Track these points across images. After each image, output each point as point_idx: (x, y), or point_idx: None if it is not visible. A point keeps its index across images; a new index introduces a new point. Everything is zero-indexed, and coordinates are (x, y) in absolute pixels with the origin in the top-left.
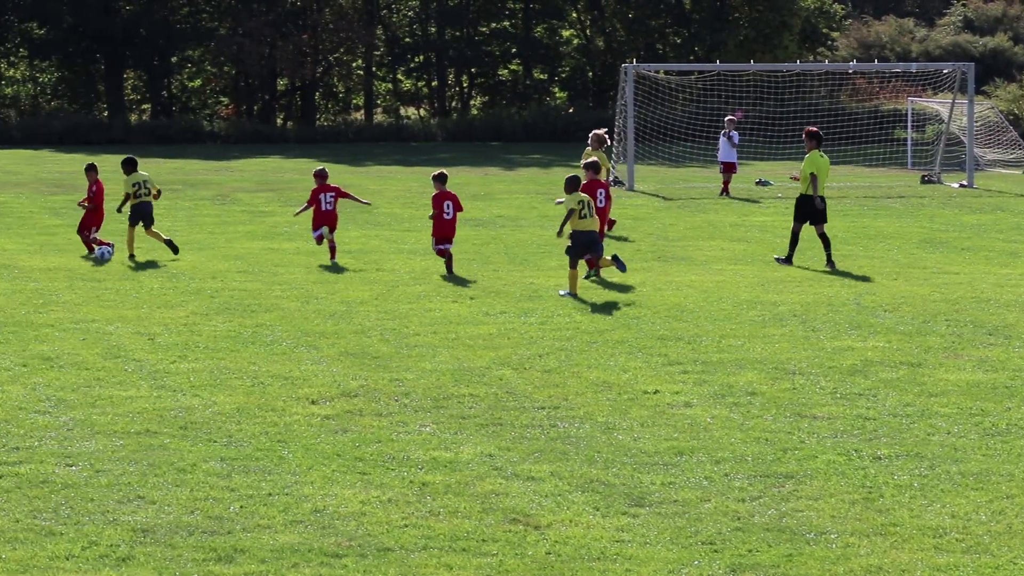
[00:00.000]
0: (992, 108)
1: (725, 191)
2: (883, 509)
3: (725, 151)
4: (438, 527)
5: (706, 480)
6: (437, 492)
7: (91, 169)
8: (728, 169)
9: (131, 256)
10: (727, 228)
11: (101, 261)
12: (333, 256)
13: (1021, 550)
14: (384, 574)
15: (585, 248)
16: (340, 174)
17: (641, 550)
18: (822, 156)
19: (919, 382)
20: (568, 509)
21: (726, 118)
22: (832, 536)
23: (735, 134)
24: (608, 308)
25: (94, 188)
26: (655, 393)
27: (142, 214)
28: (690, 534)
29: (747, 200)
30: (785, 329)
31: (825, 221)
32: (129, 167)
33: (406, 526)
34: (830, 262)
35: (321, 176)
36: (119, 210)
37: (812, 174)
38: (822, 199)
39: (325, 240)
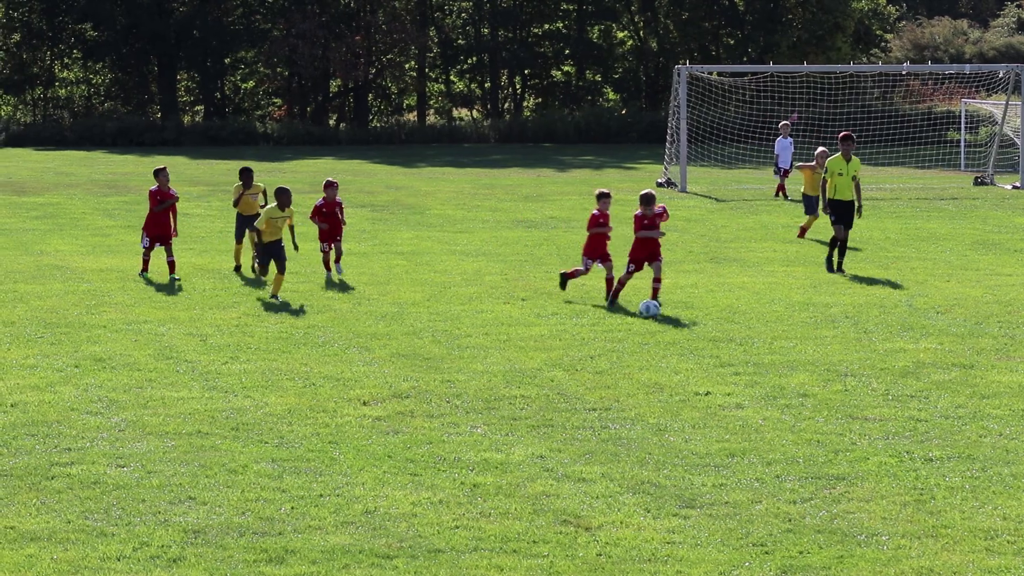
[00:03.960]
0: None
1: (779, 193)
2: (934, 511)
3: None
4: (489, 528)
5: (757, 482)
6: (488, 493)
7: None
8: (785, 174)
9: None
10: (779, 230)
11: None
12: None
13: None
14: (435, 575)
15: None
16: (393, 175)
17: (692, 552)
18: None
19: (971, 384)
20: (619, 511)
21: (781, 123)
22: (883, 538)
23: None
24: (660, 310)
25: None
26: (706, 395)
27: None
28: (741, 536)
29: (798, 201)
30: (837, 331)
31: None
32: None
33: (457, 527)
34: (839, 267)
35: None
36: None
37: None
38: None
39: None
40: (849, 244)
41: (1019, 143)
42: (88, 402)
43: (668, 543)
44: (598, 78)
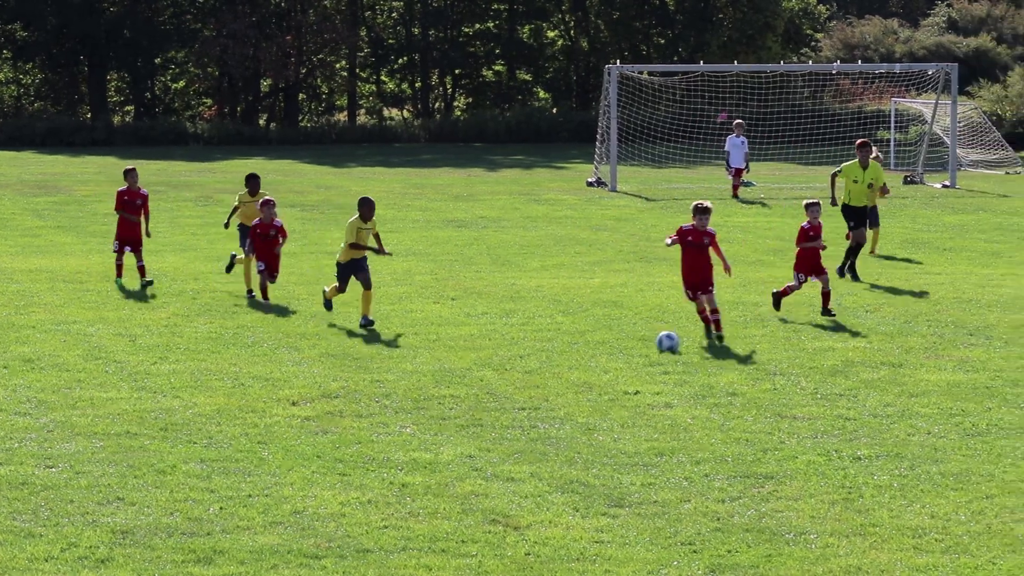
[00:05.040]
0: (975, 109)
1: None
2: (863, 509)
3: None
4: (418, 528)
5: (686, 481)
6: (417, 493)
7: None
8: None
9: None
10: None
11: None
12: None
13: (1000, 550)
14: (363, 575)
15: None
16: (323, 175)
17: (620, 551)
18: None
19: (900, 382)
20: (548, 510)
21: (735, 122)
22: (811, 536)
23: (743, 139)
24: (590, 309)
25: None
26: (636, 394)
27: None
28: (669, 535)
29: (749, 202)
30: (766, 330)
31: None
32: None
33: (386, 527)
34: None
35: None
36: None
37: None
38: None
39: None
40: (778, 243)
41: (948, 142)
42: (16, 403)
43: (597, 542)
44: (529, 78)
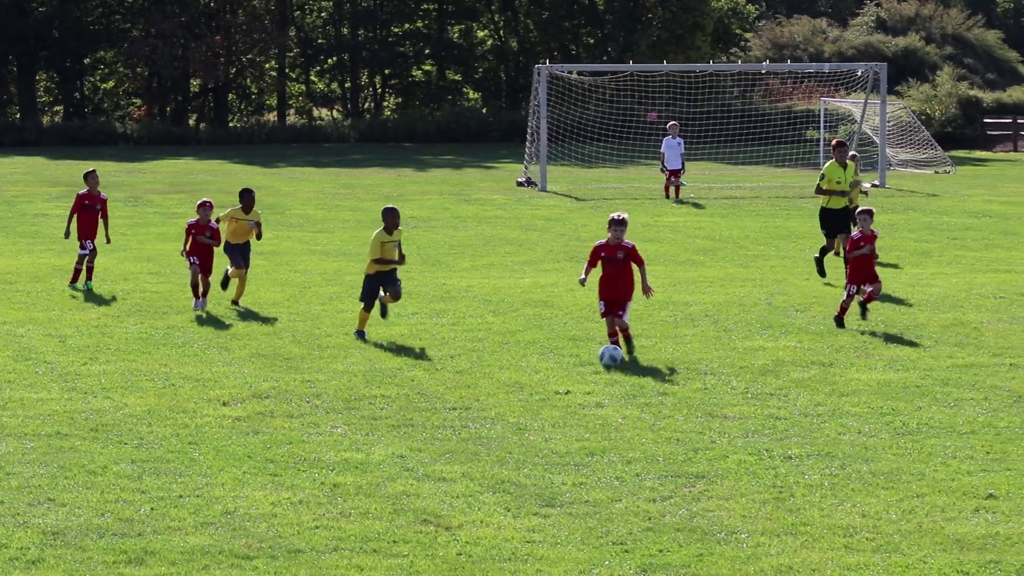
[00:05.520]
0: (904, 108)
1: (668, 194)
2: (793, 508)
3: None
4: (349, 528)
5: (617, 480)
6: (348, 493)
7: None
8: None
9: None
10: (639, 229)
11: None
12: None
13: (931, 549)
14: (295, 575)
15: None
16: (252, 175)
17: (552, 550)
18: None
19: (830, 382)
20: (479, 510)
21: (669, 123)
22: (742, 536)
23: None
24: (520, 309)
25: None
26: (567, 394)
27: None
28: (601, 534)
29: (688, 204)
30: (696, 329)
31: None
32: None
33: (317, 527)
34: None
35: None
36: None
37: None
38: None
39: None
40: (708, 243)
41: (878, 142)
42: None
43: (528, 542)
44: (458, 77)
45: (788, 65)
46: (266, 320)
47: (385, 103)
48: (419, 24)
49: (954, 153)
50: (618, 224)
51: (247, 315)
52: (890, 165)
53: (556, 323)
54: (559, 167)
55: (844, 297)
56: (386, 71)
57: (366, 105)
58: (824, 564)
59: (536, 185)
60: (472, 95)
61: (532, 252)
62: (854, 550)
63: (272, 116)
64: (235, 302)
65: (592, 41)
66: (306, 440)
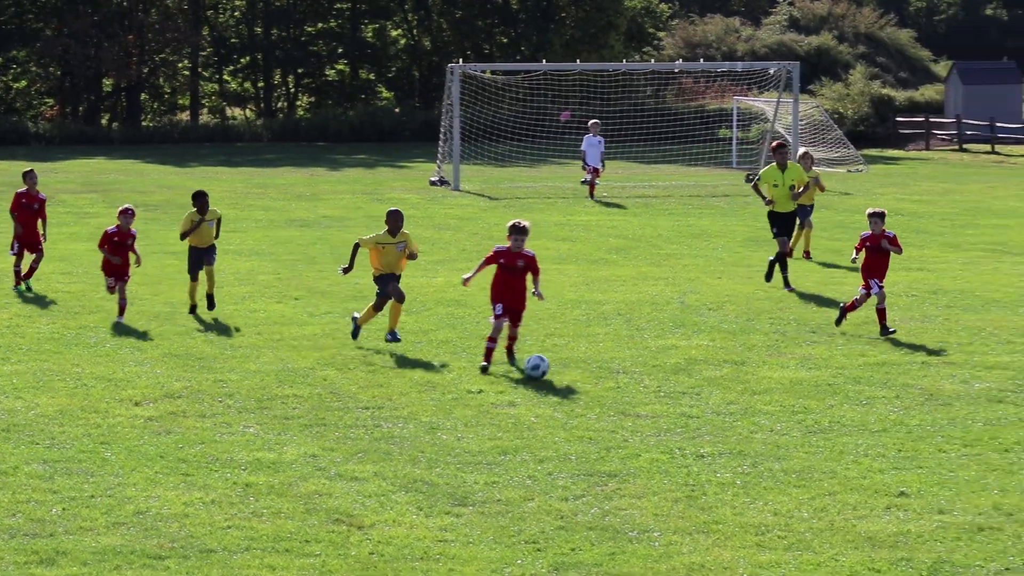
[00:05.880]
0: (817, 107)
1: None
2: (706, 507)
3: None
4: (261, 528)
5: (530, 479)
6: (260, 493)
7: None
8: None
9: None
10: (552, 228)
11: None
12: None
13: (842, 547)
14: (207, 575)
15: None
16: (165, 175)
17: (464, 549)
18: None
19: (742, 380)
20: (391, 509)
21: (591, 121)
22: (655, 534)
23: (600, 139)
24: (433, 308)
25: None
26: (479, 393)
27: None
28: (513, 533)
29: (605, 204)
30: (609, 328)
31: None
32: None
33: (229, 527)
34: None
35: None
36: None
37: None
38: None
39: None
40: (621, 241)
41: (790, 140)
42: None
43: (440, 541)
44: (372, 77)
45: (701, 64)
46: (178, 320)
47: (298, 102)
48: (332, 23)
49: (867, 152)
50: (520, 232)
51: (159, 315)
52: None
53: (469, 322)
54: (472, 166)
55: (866, 292)
56: (299, 70)
57: (279, 104)
58: (736, 562)
59: (449, 184)
60: (385, 94)
61: (445, 251)
62: (766, 548)
63: (185, 115)
64: (193, 307)
65: (505, 40)
66: (218, 440)
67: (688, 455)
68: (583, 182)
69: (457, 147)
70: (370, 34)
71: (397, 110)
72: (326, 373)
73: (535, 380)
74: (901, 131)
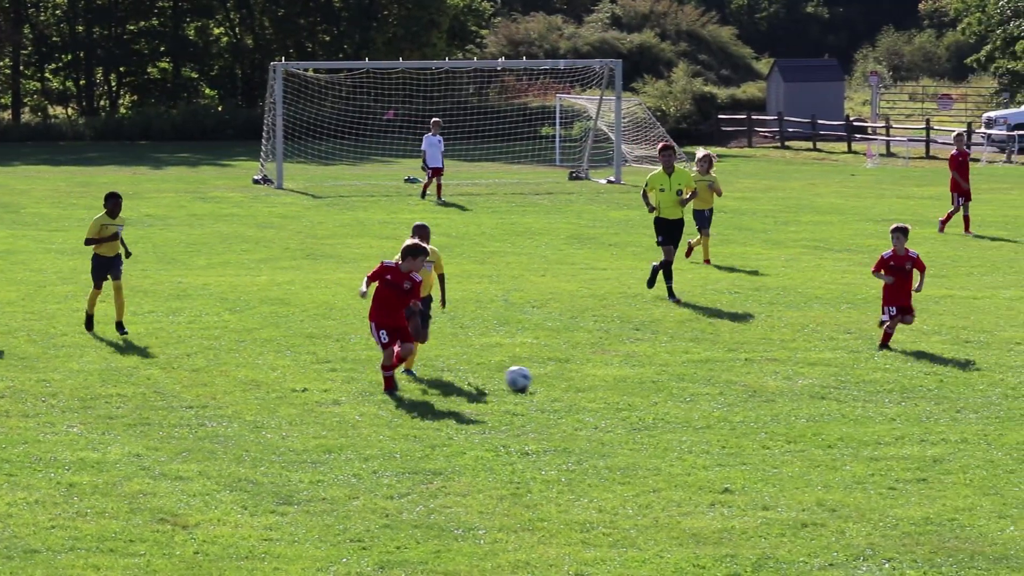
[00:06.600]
0: (640, 104)
1: (427, 192)
2: (531, 504)
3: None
4: (85, 528)
5: (355, 478)
6: (84, 493)
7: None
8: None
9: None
10: (376, 226)
11: None
12: None
13: (667, 543)
14: (31, 575)
15: None
16: None
17: (289, 548)
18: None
19: (567, 378)
20: (216, 508)
21: (432, 120)
22: (480, 532)
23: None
24: (257, 307)
25: None
26: (304, 391)
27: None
28: (338, 532)
29: (449, 205)
30: (433, 326)
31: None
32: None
33: (53, 527)
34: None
35: None
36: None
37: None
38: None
39: None
40: (445, 239)
41: (613, 138)
42: None
43: (266, 540)
44: (195, 75)
45: (523, 62)
46: (0, 319)
47: (121, 101)
48: (155, 21)
49: (689, 149)
50: (414, 253)
51: None
52: (625, 161)
53: (293, 321)
54: (296, 164)
55: (884, 321)
56: (122, 68)
57: (101, 103)
58: (561, 560)
59: (272, 183)
60: (208, 93)
61: (269, 250)
62: (591, 545)
63: (6, 114)
64: (90, 317)
65: (328, 39)
66: (42, 440)
67: (513, 453)
68: (407, 180)
69: (280, 145)
70: (192, 32)
71: (220, 108)
72: (150, 372)
73: (360, 382)
74: (724, 128)
